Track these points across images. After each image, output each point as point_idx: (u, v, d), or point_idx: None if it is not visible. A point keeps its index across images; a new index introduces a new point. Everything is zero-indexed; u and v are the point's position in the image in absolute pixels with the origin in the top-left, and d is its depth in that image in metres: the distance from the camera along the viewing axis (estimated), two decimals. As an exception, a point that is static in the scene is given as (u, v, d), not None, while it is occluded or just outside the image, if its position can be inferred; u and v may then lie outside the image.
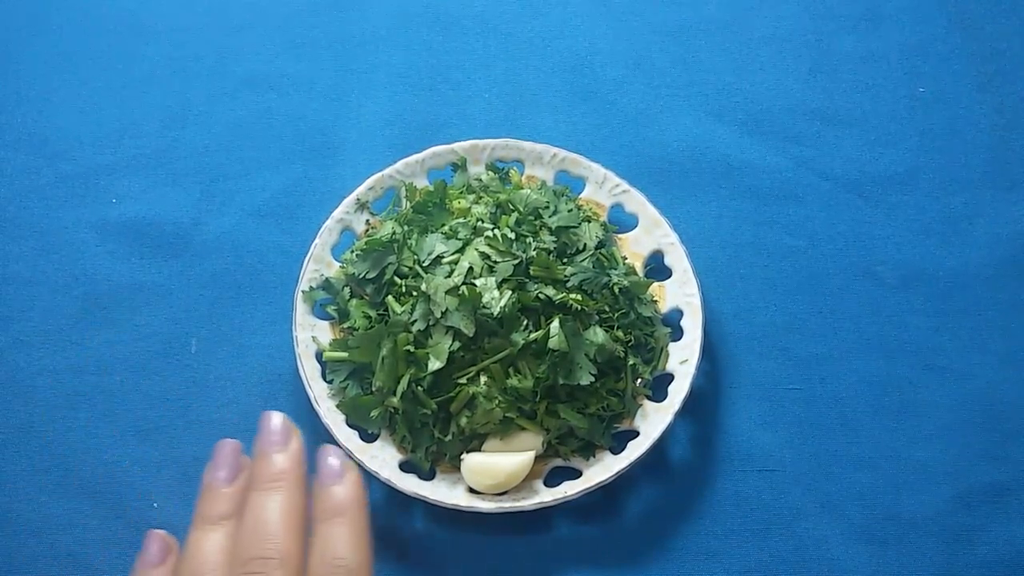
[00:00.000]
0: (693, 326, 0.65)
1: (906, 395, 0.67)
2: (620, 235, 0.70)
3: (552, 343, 0.59)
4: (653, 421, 0.63)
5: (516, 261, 0.62)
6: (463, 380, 0.60)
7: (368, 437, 0.64)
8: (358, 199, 0.69)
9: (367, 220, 0.69)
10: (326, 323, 0.67)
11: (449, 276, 0.61)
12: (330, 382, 0.64)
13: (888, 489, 0.64)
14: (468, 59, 0.78)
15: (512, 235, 0.63)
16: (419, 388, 0.60)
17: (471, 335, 0.60)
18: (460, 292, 0.60)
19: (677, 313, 0.67)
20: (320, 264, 0.67)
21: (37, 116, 0.75)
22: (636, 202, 0.69)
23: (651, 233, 0.68)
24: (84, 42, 0.78)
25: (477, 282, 0.61)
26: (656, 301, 0.67)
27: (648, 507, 0.64)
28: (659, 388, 0.64)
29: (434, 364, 0.60)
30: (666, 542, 0.63)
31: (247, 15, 0.79)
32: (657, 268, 0.68)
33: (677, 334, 0.66)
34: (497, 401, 0.60)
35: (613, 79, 0.77)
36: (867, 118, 0.76)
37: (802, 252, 0.71)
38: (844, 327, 0.69)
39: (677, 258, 0.67)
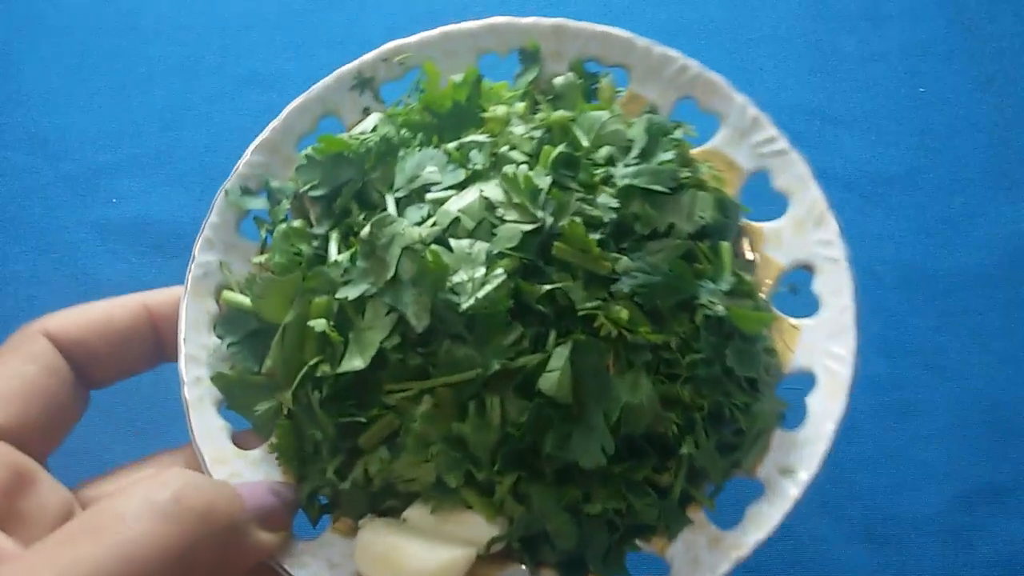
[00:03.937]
0: (825, 410, 0.41)
1: (906, 395, 0.67)
2: (753, 223, 0.45)
3: (546, 383, 0.36)
4: (704, 561, 0.39)
5: (534, 225, 0.38)
6: (392, 399, 0.38)
7: (245, 438, 0.44)
8: (360, 72, 0.47)
9: (366, 109, 0.48)
10: (255, 245, 0.47)
11: (422, 224, 0.39)
12: (220, 338, 0.44)
13: (888, 489, 0.64)
14: (468, 59, 0.78)
15: (546, 180, 0.39)
16: (317, 393, 0.39)
17: (420, 330, 0.37)
18: (421, 255, 0.37)
19: (806, 379, 0.42)
20: (272, 156, 0.46)
21: (37, 116, 0.75)
22: (795, 174, 0.44)
23: (805, 232, 0.43)
24: (84, 42, 0.78)
25: (456, 244, 0.37)
26: (773, 350, 0.42)
27: (648, 507, 0.64)
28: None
29: (353, 360, 0.37)
30: (666, 542, 0.63)
31: (247, 15, 0.79)
32: (797, 293, 0.45)
33: (794, 417, 0.42)
34: (435, 450, 0.37)
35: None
36: (867, 118, 0.75)
37: (802, 252, 0.71)
38: (844, 327, 0.68)
39: (835, 286, 0.42)
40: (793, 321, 0.43)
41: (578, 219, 0.38)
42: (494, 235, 0.37)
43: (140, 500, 0.35)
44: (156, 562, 0.34)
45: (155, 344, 0.47)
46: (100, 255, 0.70)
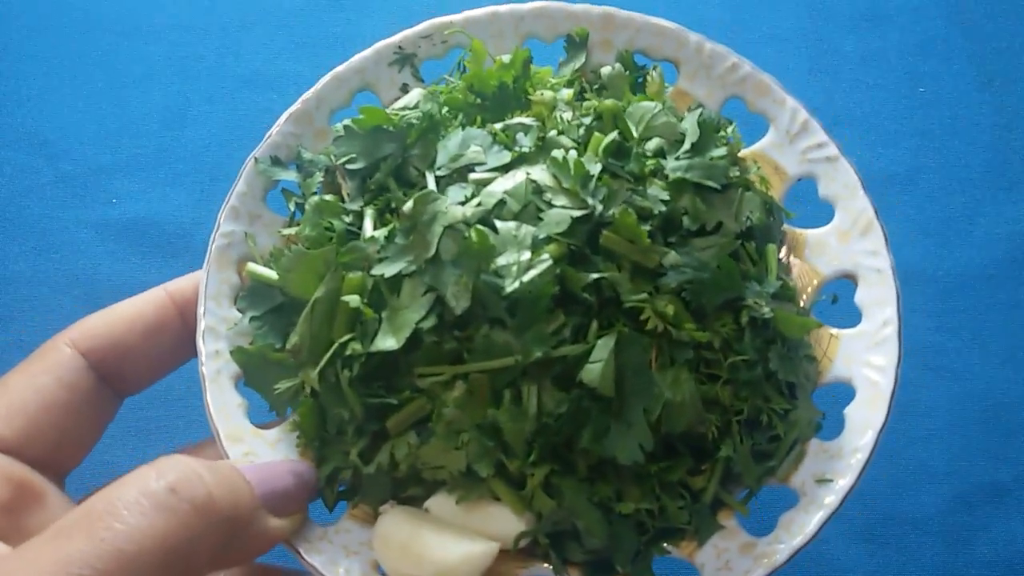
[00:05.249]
0: (865, 419, 0.41)
1: (906, 395, 0.66)
2: (798, 229, 0.45)
3: (589, 374, 0.35)
4: (736, 566, 0.38)
5: (584, 212, 0.37)
6: (424, 383, 0.37)
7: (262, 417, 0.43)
8: (400, 47, 0.47)
9: (404, 86, 0.47)
10: (282, 219, 0.46)
11: (465, 203, 0.38)
12: (242, 312, 0.43)
13: (888, 489, 0.64)
14: (468, 59, 0.78)
15: (596, 167, 0.37)
16: (347, 372, 0.37)
17: (459, 312, 0.36)
18: (465, 235, 0.36)
19: (844, 391, 0.42)
20: (304, 127, 0.45)
21: (37, 116, 0.75)
22: (843, 182, 0.43)
23: (849, 242, 0.43)
24: (84, 42, 0.78)
25: (502, 226, 0.36)
26: (814, 358, 0.42)
27: (648, 507, 0.64)
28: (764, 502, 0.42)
29: (386, 340, 0.36)
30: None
31: (247, 14, 0.79)
32: (838, 303, 0.43)
33: (831, 427, 0.42)
34: (467, 437, 0.36)
35: (613, 79, 0.77)
36: (867, 118, 0.75)
37: (802, 252, 0.71)
38: (844, 327, 0.69)
39: (879, 297, 0.42)
40: (833, 330, 0.42)
41: (629, 209, 0.37)
42: (540, 219, 0.36)
43: (135, 491, 0.34)
44: (151, 556, 0.32)
45: (185, 334, 0.45)
46: (100, 255, 0.70)
